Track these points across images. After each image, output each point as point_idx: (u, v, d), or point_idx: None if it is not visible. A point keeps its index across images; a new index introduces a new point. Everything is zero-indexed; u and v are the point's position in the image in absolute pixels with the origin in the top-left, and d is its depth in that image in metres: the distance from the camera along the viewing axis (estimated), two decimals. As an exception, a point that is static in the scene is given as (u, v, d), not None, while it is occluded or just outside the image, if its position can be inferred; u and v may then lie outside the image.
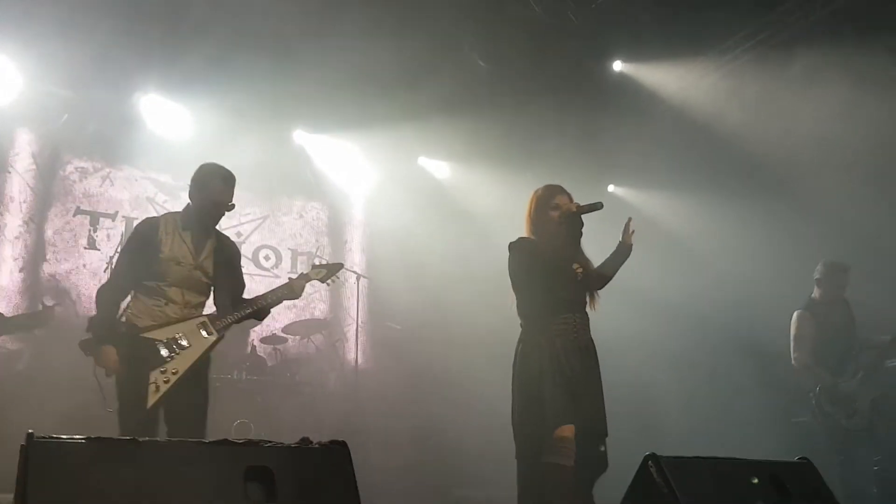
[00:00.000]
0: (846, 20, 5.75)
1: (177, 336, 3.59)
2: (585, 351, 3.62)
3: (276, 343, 6.60)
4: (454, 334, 6.93)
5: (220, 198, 3.78)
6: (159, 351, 3.52)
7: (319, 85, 6.75)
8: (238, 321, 3.81)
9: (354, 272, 7.30)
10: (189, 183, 3.88)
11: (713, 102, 6.70)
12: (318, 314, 7.79)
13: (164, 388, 3.45)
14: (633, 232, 3.81)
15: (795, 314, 5.16)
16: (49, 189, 6.98)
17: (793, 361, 5.11)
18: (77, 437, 1.81)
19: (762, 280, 5.84)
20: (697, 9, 5.94)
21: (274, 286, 7.86)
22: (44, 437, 1.72)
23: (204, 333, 3.66)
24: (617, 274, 3.85)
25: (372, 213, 8.38)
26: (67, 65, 6.28)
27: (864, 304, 5.20)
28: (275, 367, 6.37)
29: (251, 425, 5.65)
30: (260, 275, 7.75)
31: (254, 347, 6.58)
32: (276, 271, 7.86)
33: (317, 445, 2.11)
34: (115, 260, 3.74)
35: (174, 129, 7.09)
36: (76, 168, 7.15)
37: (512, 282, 3.76)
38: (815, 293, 5.21)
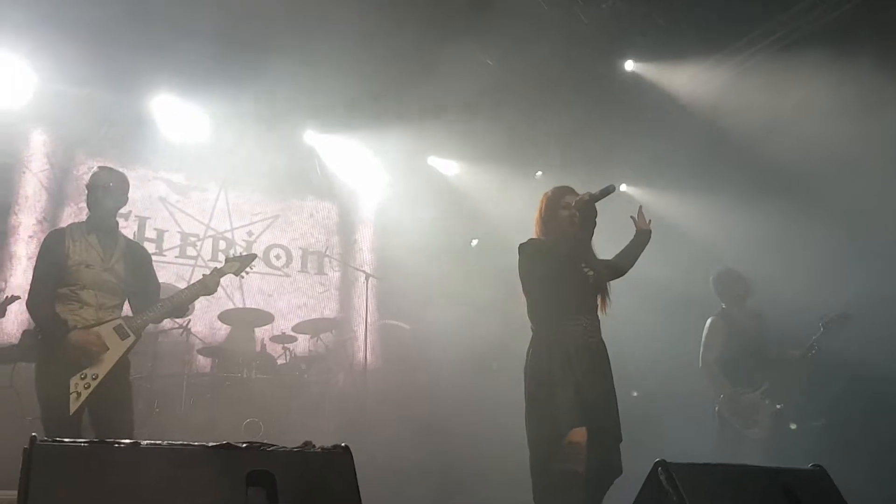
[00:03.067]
0: (860, 20, 5.69)
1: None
2: (596, 353, 3.59)
3: (286, 342, 6.62)
4: (464, 334, 6.93)
5: (116, 200, 3.94)
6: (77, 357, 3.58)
7: (330, 85, 6.76)
8: (154, 320, 3.94)
9: (363, 271, 7.33)
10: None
11: (725, 102, 6.63)
12: (327, 313, 7.81)
13: (84, 393, 3.53)
14: (650, 221, 3.79)
15: (709, 320, 5.24)
16: (63, 189, 7.04)
17: (700, 365, 5.16)
18: (80, 440, 1.82)
19: (776, 281, 5.78)
20: (709, 8, 5.90)
21: (284, 286, 7.96)
22: (46, 441, 1.74)
23: (119, 336, 3.73)
24: (629, 274, 3.83)
25: (382, 212, 8.40)
26: (81, 66, 6.33)
27: (774, 317, 5.30)
28: (284, 366, 6.39)
29: (261, 424, 5.67)
30: (271, 274, 7.79)
31: (263, 346, 6.61)
32: (286, 270, 7.90)
33: (319, 449, 2.11)
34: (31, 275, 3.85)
35: (186, 129, 7.15)
36: (90, 168, 7.18)
37: (522, 284, 3.74)
38: (723, 303, 5.29)
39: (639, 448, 3.99)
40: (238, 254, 4.83)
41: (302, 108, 7.34)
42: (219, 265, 4.21)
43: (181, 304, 4.00)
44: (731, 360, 5.08)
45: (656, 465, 2.51)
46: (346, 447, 2.14)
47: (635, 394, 3.74)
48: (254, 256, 4.43)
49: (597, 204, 3.50)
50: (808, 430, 5.44)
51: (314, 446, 2.12)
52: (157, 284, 4.10)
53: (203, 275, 4.08)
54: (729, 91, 6.65)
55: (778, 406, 4.97)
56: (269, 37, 6.23)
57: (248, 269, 4.30)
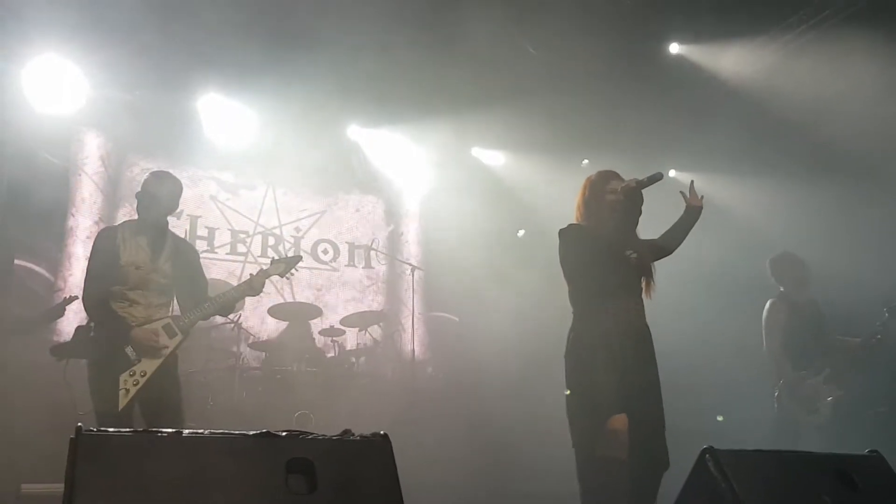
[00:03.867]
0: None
1: None
2: (640, 338, 3.50)
3: (335, 335, 6.69)
4: (511, 325, 6.89)
5: (165, 207, 4.03)
6: (127, 353, 3.68)
7: (372, 80, 6.80)
8: (202, 319, 4.01)
9: (410, 264, 7.35)
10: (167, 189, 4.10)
11: (773, 83, 6.42)
12: (375, 306, 7.87)
13: (133, 390, 3.63)
14: (702, 197, 3.69)
15: (769, 302, 5.11)
16: (117, 191, 7.25)
17: (764, 349, 5.04)
18: (123, 430, 1.87)
19: (833, 266, 5.60)
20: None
21: (332, 280, 8.04)
22: (91, 431, 1.79)
23: (168, 334, 3.82)
24: (679, 256, 3.73)
25: (427, 204, 8.42)
26: (130, 69, 6.49)
27: (834, 302, 5.14)
28: (333, 359, 6.46)
29: (311, 416, 5.75)
30: (319, 269, 7.88)
31: (313, 339, 6.69)
32: (333, 265, 7.98)
33: (358, 437, 2.12)
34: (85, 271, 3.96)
35: (233, 128, 7.27)
36: (142, 169, 7.38)
37: (563, 269, 3.67)
38: (782, 286, 5.16)
39: (692, 437, 3.91)
40: (286, 253, 4.91)
41: (344, 104, 7.39)
42: (267, 265, 4.29)
43: (227, 303, 4.09)
44: (792, 344, 4.97)
45: (703, 451, 2.46)
46: (385, 435, 2.14)
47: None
48: (299, 258, 4.51)
49: (643, 191, 3.43)
50: (871, 417, 5.28)
51: (353, 434, 2.13)
52: (205, 282, 4.18)
53: (250, 275, 4.17)
54: (778, 72, 6.44)
55: (839, 392, 4.83)
56: (310, 32, 6.27)
57: (293, 271, 4.38)
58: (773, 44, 6.53)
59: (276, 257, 4.51)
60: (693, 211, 3.67)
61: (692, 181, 3.72)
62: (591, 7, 6.19)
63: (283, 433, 2.03)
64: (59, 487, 1.75)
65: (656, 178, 3.36)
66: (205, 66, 6.62)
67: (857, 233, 5.78)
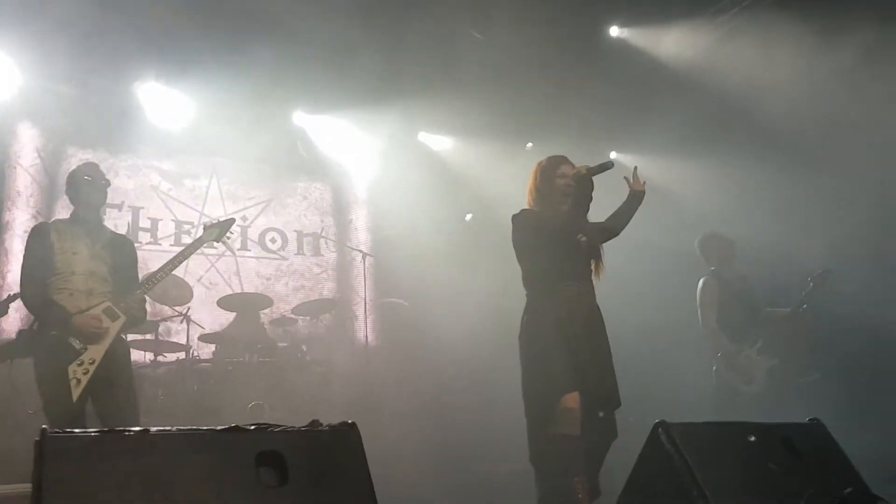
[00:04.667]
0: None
1: None
2: (590, 318, 3.63)
3: (286, 325, 6.65)
4: (464, 308, 6.98)
5: (90, 199, 4.00)
6: (72, 344, 3.62)
7: (316, 65, 6.73)
8: (141, 298, 3.93)
9: (360, 251, 7.33)
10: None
11: (711, 65, 6.62)
12: (326, 294, 7.85)
13: (84, 379, 3.55)
14: (644, 182, 3.81)
15: (701, 281, 5.31)
16: (55, 182, 7.00)
17: (700, 325, 5.25)
18: (90, 430, 1.85)
19: (765, 242, 5.84)
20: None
21: (282, 269, 7.96)
22: (57, 432, 1.77)
23: (110, 318, 3.76)
24: (623, 238, 3.84)
25: (375, 190, 8.39)
26: (66, 57, 6.27)
27: (764, 276, 5.42)
28: (286, 349, 6.42)
29: (265, 406, 5.72)
30: (268, 258, 7.80)
31: (264, 330, 6.64)
32: (282, 253, 7.91)
33: (326, 428, 2.15)
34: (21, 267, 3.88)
35: (174, 116, 7.12)
36: (80, 160, 7.15)
37: (516, 252, 3.77)
38: (711, 264, 5.37)
39: (638, 411, 4.05)
40: (233, 243, 4.82)
41: (289, 90, 7.31)
42: (213, 255, 4.22)
43: (162, 279, 4.01)
44: (726, 318, 5.17)
45: (656, 425, 2.55)
46: (353, 424, 2.17)
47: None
48: (232, 221, 4.42)
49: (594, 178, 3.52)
50: (805, 384, 5.54)
51: (321, 424, 2.16)
52: (137, 269, 4.14)
53: (184, 245, 4.10)
54: (714, 55, 6.64)
55: (773, 362, 5.06)
56: (251, 18, 6.17)
57: (228, 234, 4.32)
58: (709, 25, 6.70)
59: (209, 223, 4.42)
60: (636, 195, 3.78)
61: (635, 167, 3.83)
62: (534, -9, 6.26)
63: (252, 426, 2.04)
64: (10, 489, 1.73)
65: (607, 166, 3.47)
66: (144, 53, 6.44)
67: (786, 210, 6.05)
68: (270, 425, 2.05)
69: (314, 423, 2.15)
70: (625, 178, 3.82)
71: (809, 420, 2.89)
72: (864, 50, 5.47)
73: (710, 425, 2.72)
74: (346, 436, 2.13)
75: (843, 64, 5.58)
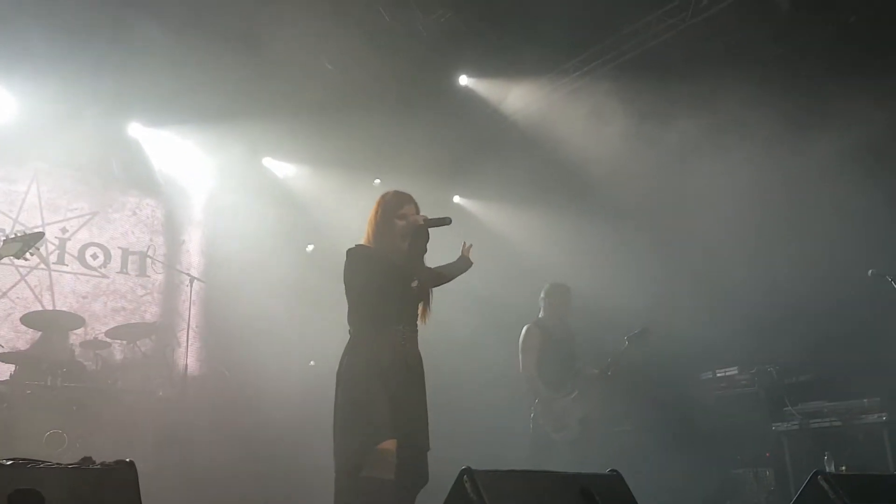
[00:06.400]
0: (673, 49, 6.19)
1: None
2: (411, 365, 3.59)
3: (98, 348, 6.18)
4: (296, 340, 6.80)
5: None
6: None
7: (159, 78, 6.43)
8: None
9: (189, 275, 7.00)
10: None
11: (551, 122, 6.99)
12: (148, 318, 7.40)
13: None
14: (470, 246, 3.89)
15: (525, 328, 5.53)
16: None
17: (520, 370, 5.45)
18: None
19: (598, 294, 6.14)
20: (539, 31, 6.16)
21: (101, 287, 7.45)
22: None
23: None
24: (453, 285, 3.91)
25: (212, 213, 8.07)
26: None
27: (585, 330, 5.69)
28: (95, 374, 5.96)
29: (65, 436, 5.27)
30: (87, 274, 7.26)
31: (72, 352, 6.14)
32: (103, 271, 7.38)
33: (98, 466, 1.98)
34: None
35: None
36: None
37: (346, 289, 3.67)
38: (542, 313, 5.61)
39: (452, 456, 4.08)
40: (48, 255, 4.32)
41: (128, 99, 6.92)
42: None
43: None
44: (546, 366, 5.35)
45: (462, 472, 2.57)
46: (131, 462, 2.02)
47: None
48: (40, 235, 3.97)
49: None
50: (616, 434, 5.83)
51: (94, 462, 1.99)
52: None
53: None
54: (553, 112, 7.02)
55: (586, 411, 5.27)
56: (99, 16, 5.82)
57: (31, 251, 3.86)
58: (552, 85, 7.08)
59: (13, 236, 3.90)
60: (466, 261, 3.91)
61: (470, 245, 3.93)
62: (390, 32, 6.35)
63: (9, 461, 1.85)
64: None
65: (444, 222, 3.51)
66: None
67: (611, 266, 6.41)
68: (31, 461, 1.86)
69: (85, 460, 1.98)
70: (464, 242, 3.91)
71: (609, 471, 3.01)
72: (682, 136, 5.94)
73: (514, 473, 2.76)
74: (121, 475, 1.97)
75: (662, 144, 6.05)
